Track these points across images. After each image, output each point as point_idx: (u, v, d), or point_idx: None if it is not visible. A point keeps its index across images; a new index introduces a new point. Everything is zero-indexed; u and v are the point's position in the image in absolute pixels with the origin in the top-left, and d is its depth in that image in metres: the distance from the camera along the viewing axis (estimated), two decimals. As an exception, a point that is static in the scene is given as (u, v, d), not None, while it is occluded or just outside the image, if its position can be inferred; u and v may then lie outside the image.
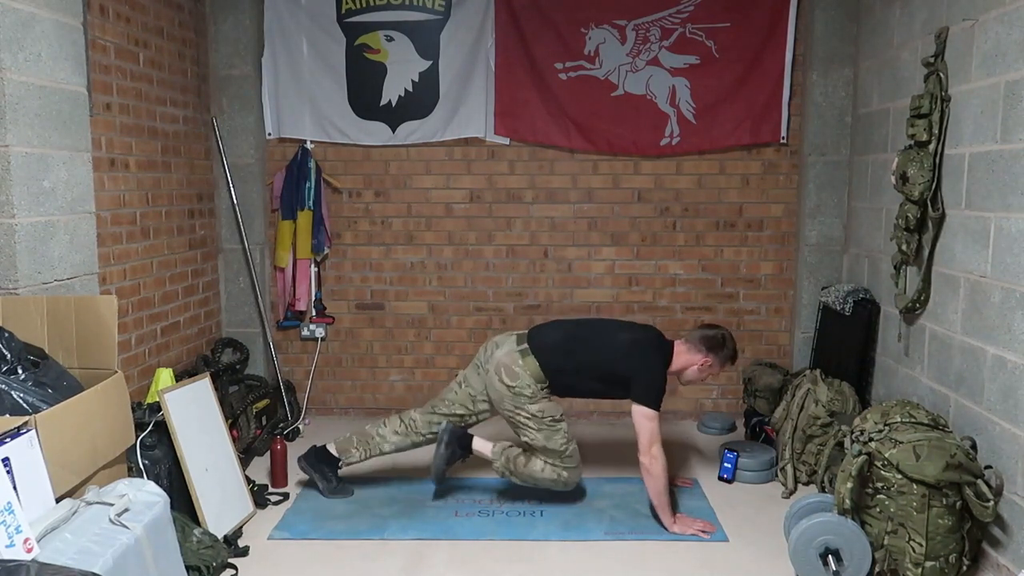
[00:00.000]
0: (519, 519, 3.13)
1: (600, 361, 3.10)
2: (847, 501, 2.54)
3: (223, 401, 3.34)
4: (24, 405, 2.08)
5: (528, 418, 3.10)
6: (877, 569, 2.56)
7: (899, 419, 2.65)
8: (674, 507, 3.11)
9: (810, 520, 2.58)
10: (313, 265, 4.38)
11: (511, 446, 3.25)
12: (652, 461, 2.96)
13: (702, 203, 4.29)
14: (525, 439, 3.15)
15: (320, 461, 3.34)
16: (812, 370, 3.62)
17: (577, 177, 4.31)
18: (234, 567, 2.70)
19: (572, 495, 3.27)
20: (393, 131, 4.28)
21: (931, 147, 3.01)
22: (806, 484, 3.41)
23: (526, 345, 3.14)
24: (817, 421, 3.36)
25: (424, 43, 4.21)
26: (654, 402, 2.99)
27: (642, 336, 3.19)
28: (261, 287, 4.29)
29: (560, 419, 3.14)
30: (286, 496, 3.33)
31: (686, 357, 3.15)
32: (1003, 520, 2.57)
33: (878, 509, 2.55)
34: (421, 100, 4.24)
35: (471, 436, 3.28)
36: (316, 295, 4.41)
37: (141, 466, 2.67)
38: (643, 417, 2.98)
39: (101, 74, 3.17)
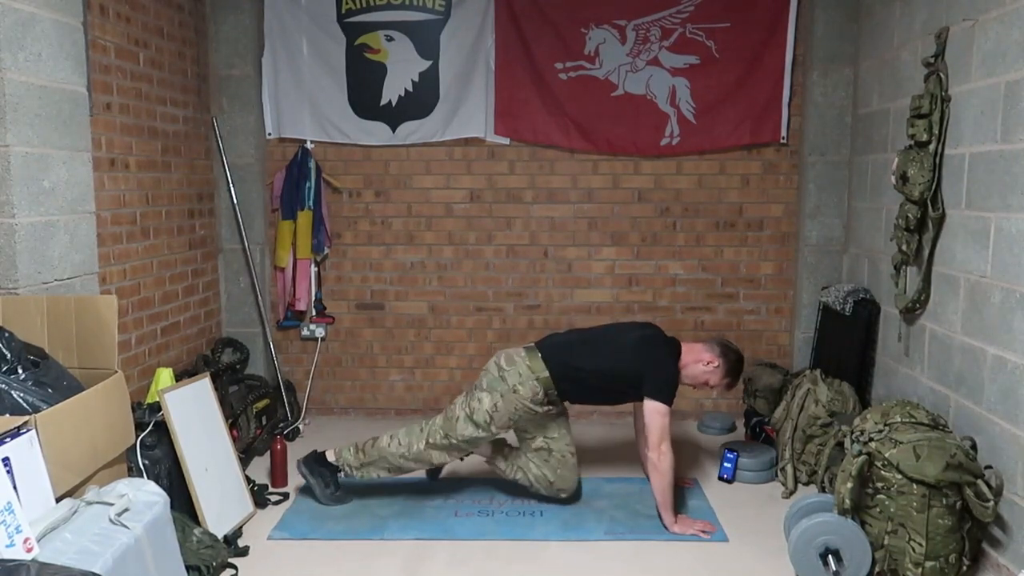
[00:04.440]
0: (519, 519, 3.13)
1: (610, 362, 3.09)
2: (847, 501, 2.54)
3: (223, 401, 3.34)
4: (24, 405, 2.08)
5: (477, 400, 3.07)
6: (877, 569, 2.56)
7: (899, 419, 2.65)
8: (678, 507, 3.11)
9: (810, 520, 2.58)
10: (313, 265, 4.37)
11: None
12: (661, 457, 2.96)
13: (702, 203, 4.29)
14: (452, 407, 3.14)
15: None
16: (812, 370, 3.62)
17: (577, 177, 4.31)
18: (234, 567, 2.70)
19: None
20: (393, 131, 4.28)
21: (931, 147, 3.01)
22: (806, 484, 3.41)
23: (533, 345, 3.16)
24: (817, 421, 3.36)
25: (424, 43, 4.21)
26: (667, 397, 2.99)
27: (649, 333, 3.21)
28: (261, 287, 4.29)
29: (485, 435, 3.08)
30: (286, 496, 3.33)
31: (696, 355, 3.16)
32: (1003, 520, 2.57)
33: (878, 509, 2.55)
34: (421, 100, 4.24)
35: None
36: (316, 295, 4.41)
37: (141, 466, 2.67)
38: (655, 413, 2.97)
39: (101, 74, 3.16)
